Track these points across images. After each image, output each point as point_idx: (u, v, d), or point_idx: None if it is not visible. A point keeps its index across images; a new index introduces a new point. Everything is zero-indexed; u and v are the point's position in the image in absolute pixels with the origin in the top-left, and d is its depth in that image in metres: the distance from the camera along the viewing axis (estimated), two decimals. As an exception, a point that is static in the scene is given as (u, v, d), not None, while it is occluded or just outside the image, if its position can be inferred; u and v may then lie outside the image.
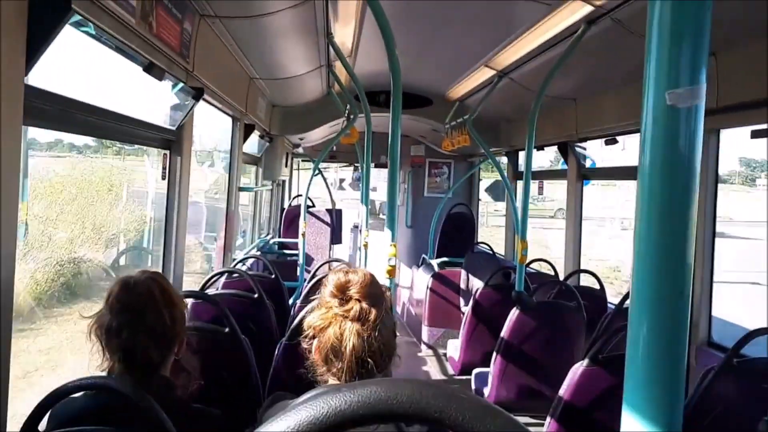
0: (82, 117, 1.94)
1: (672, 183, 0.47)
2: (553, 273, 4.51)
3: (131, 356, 1.31)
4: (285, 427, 0.41)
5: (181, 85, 2.62)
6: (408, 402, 0.41)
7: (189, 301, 2.81)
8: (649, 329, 0.48)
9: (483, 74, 4.19)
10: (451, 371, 4.37)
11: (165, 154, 2.77)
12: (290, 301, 3.60)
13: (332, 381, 1.38)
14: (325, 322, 1.35)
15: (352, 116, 4.31)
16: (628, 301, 2.43)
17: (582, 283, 4.25)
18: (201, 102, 2.81)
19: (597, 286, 3.95)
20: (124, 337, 1.31)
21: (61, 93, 1.74)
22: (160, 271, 2.78)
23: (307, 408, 0.41)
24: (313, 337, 1.39)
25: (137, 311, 1.32)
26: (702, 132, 0.48)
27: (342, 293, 1.36)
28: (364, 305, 1.34)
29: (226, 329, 2.14)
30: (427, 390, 0.42)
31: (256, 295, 2.79)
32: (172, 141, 2.77)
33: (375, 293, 1.38)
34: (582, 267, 4.35)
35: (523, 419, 3.17)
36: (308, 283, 3.38)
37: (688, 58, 0.48)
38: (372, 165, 5.33)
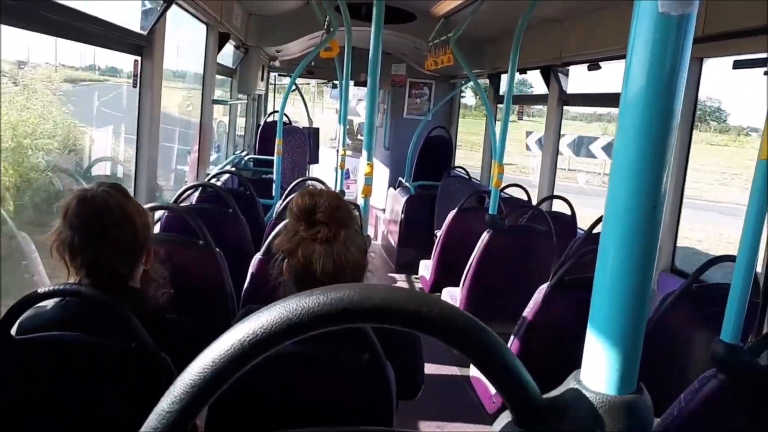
0: (51, 16, 1.84)
1: (657, 99, 0.46)
2: (526, 198, 4.56)
3: (97, 271, 1.30)
4: (257, 324, 0.41)
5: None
6: (380, 302, 0.42)
7: (160, 213, 2.79)
8: (620, 250, 0.48)
9: None
10: (421, 289, 4.49)
11: (136, 61, 2.66)
12: (265, 218, 3.59)
13: None
14: (294, 244, 1.35)
15: (332, 29, 4.15)
16: (597, 227, 2.49)
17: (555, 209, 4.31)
18: (174, 8, 2.67)
19: (569, 212, 4.02)
20: (89, 253, 1.28)
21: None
22: (132, 182, 2.74)
23: (279, 307, 0.42)
24: (284, 258, 1.39)
25: (97, 226, 1.29)
26: (690, 47, 0.47)
27: (308, 216, 1.35)
28: (332, 227, 1.33)
29: (200, 241, 2.14)
30: (398, 293, 0.42)
31: (230, 210, 2.78)
32: (144, 47, 2.65)
33: (342, 215, 1.37)
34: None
35: None
36: (283, 201, 3.38)
37: None
38: (351, 83, 5.20)
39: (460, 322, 0.43)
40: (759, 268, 1.75)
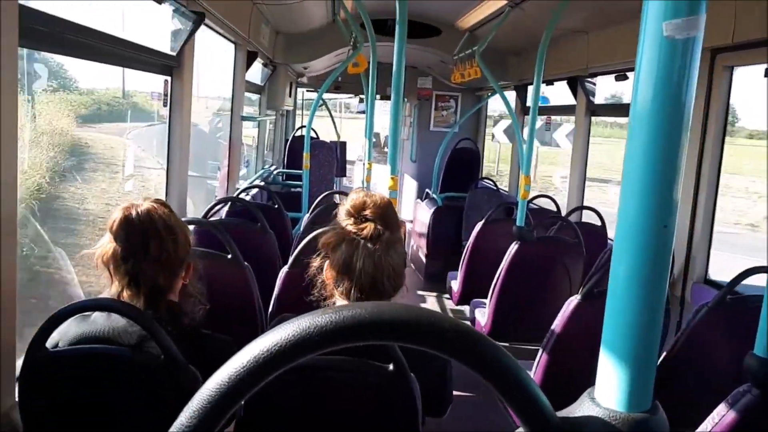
0: (80, 40, 1.90)
1: (663, 119, 0.46)
2: (555, 209, 4.52)
3: (138, 283, 1.34)
4: (271, 342, 0.42)
5: (182, 10, 2.55)
6: (391, 321, 0.43)
7: (191, 228, 2.84)
8: (631, 269, 0.48)
9: (494, 4, 4.05)
10: (449, 302, 4.46)
11: (166, 81, 2.74)
12: (293, 232, 3.63)
13: (341, 300, 1.42)
14: (339, 238, 1.38)
15: (357, 45, 4.20)
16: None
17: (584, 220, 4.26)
18: (203, 29, 2.75)
19: (599, 223, 3.97)
20: (130, 265, 1.33)
21: (58, 15, 1.70)
22: (164, 197, 2.80)
23: (294, 324, 0.43)
24: (326, 256, 1.42)
25: (140, 239, 1.34)
26: (697, 67, 0.47)
27: (358, 213, 1.39)
28: (379, 226, 1.37)
29: (229, 255, 2.18)
30: (410, 312, 0.43)
31: (258, 224, 2.82)
32: (174, 67, 2.72)
33: (390, 217, 1.41)
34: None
35: (517, 349, 3.26)
36: (311, 213, 3.41)
37: None
38: (377, 97, 5.24)
39: (472, 341, 0.43)
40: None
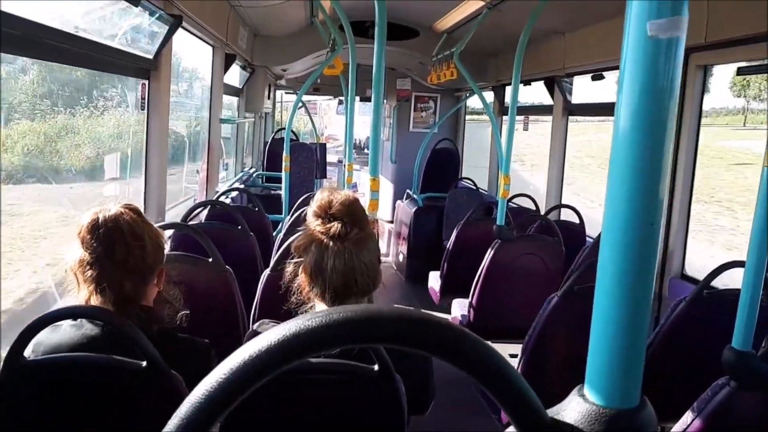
0: (55, 44, 1.87)
1: (648, 117, 0.47)
2: (534, 208, 4.56)
3: (104, 290, 1.31)
4: (261, 346, 0.42)
5: (159, 12, 2.52)
6: (381, 323, 0.43)
7: (170, 232, 2.82)
8: (618, 266, 0.49)
9: (471, 5, 4.08)
10: (431, 302, 4.48)
11: (143, 84, 2.71)
12: (274, 234, 3.61)
13: (318, 303, 1.41)
14: (308, 240, 1.38)
15: (336, 47, 4.20)
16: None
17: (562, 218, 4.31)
18: (181, 31, 2.72)
19: (577, 221, 4.02)
20: (97, 271, 1.30)
21: (34, 19, 1.68)
22: (142, 202, 2.77)
23: (283, 328, 0.43)
24: (299, 260, 1.41)
25: (106, 245, 1.30)
26: (681, 67, 0.48)
27: (324, 213, 1.38)
28: (346, 224, 1.36)
29: (210, 259, 2.16)
30: (397, 314, 0.43)
31: (239, 227, 2.80)
32: (151, 70, 2.70)
33: (357, 213, 1.40)
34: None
35: (498, 347, 3.28)
36: (291, 216, 3.39)
37: None
38: (357, 98, 5.24)
39: (462, 341, 0.43)
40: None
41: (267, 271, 2.15)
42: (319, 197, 1.42)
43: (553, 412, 0.49)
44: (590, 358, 0.51)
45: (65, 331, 1.29)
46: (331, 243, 1.35)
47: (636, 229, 0.48)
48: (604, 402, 0.49)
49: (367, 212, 2.48)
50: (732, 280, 2.24)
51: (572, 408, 0.49)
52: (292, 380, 1.26)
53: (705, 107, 2.96)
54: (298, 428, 1.31)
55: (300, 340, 0.43)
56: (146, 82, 2.70)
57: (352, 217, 1.38)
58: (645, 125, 0.47)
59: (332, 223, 1.36)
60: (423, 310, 0.44)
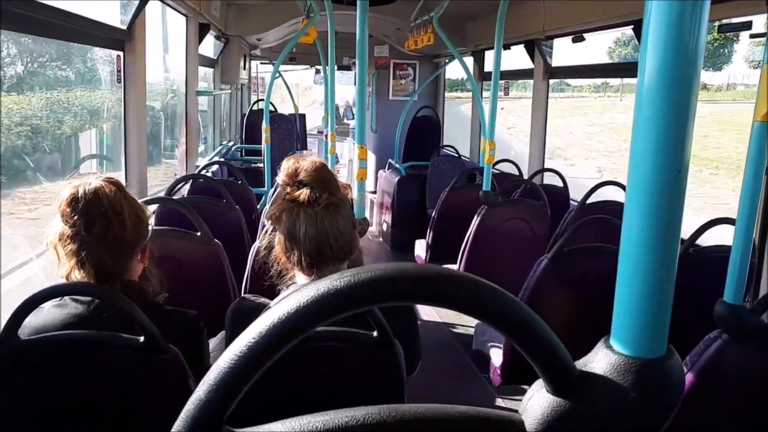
0: (29, 14, 1.80)
1: (673, 75, 0.46)
2: (518, 173, 4.58)
3: (85, 264, 1.28)
4: (293, 306, 0.41)
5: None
6: (410, 280, 0.42)
7: (154, 207, 2.77)
8: (645, 216, 0.48)
9: None
10: None
11: (118, 56, 2.63)
12: (258, 207, 3.58)
13: (297, 273, 1.41)
14: (279, 209, 1.37)
15: (312, 14, 4.10)
16: (591, 198, 2.48)
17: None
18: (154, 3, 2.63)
19: (561, 184, 4.04)
20: (77, 245, 1.27)
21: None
22: (123, 176, 2.71)
23: (312, 289, 0.42)
24: (275, 230, 1.40)
25: (86, 218, 1.27)
26: (707, 22, 0.47)
27: (292, 180, 1.37)
28: (314, 189, 1.35)
29: (198, 233, 2.13)
30: (426, 270, 0.43)
31: (224, 200, 2.76)
32: (125, 41, 2.61)
33: (325, 179, 1.39)
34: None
35: None
36: (275, 188, 3.35)
37: None
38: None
39: (490, 296, 0.43)
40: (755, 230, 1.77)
41: (257, 243, 2.13)
42: (286, 165, 1.40)
43: (580, 364, 0.49)
44: (616, 309, 0.51)
45: (48, 312, 1.26)
46: (301, 210, 1.34)
47: (663, 178, 0.47)
48: (632, 352, 0.49)
49: (354, 182, 2.46)
50: (715, 237, 2.29)
51: (600, 359, 0.49)
52: (293, 348, 1.25)
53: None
54: (298, 395, 1.31)
55: (329, 300, 0.42)
56: (121, 54, 2.61)
57: (321, 183, 1.37)
58: (672, 70, 0.46)
59: (301, 189, 1.35)
60: (449, 267, 0.44)
